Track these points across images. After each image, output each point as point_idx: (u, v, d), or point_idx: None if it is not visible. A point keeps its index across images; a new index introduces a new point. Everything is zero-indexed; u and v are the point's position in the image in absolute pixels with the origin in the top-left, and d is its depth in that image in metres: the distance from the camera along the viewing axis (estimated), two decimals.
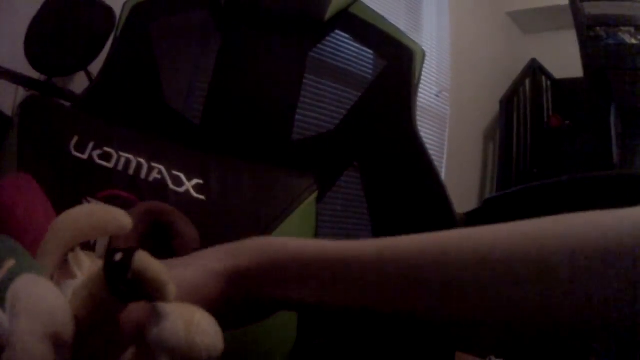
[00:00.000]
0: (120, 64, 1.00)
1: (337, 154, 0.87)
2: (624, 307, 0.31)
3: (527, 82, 3.99)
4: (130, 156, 0.82)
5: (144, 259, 0.35)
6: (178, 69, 0.94)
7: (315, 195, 0.80)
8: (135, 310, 0.39)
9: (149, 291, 0.36)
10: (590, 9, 2.94)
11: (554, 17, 3.85)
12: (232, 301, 0.43)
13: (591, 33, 2.88)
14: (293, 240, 0.44)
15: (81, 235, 0.44)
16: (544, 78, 4.03)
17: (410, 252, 0.39)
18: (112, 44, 1.04)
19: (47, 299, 0.36)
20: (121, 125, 0.86)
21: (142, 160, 0.82)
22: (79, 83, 1.86)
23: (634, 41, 2.86)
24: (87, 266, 0.43)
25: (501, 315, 0.35)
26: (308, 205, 0.79)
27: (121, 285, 0.35)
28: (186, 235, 0.67)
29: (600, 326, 0.32)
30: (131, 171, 0.81)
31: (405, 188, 0.92)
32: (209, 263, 0.43)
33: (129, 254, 0.35)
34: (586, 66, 2.88)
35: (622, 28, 2.88)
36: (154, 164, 0.81)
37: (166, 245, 0.67)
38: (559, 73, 4.05)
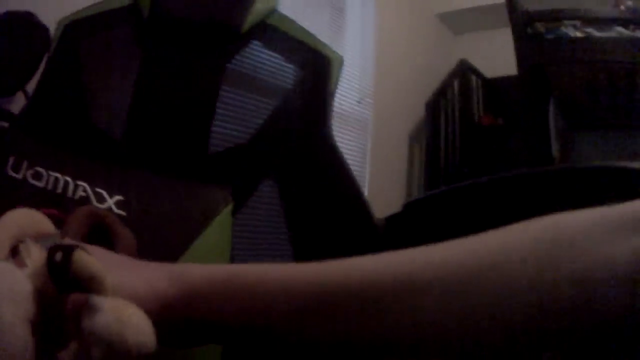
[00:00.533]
0: (51, 83, 1.01)
1: (253, 164, 0.88)
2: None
3: (456, 82, 4.06)
4: (58, 175, 0.84)
5: (82, 258, 0.38)
6: (103, 87, 0.95)
7: (230, 206, 0.82)
8: (77, 303, 0.40)
9: (88, 285, 0.39)
10: (529, 4, 2.95)
11: (485, 16, 3.94)
12: (169, 323, 0.43)
13: (529, 30, 2.89)
14: (236, 266, 0.45)
15: (25, 230, 0.49)
16: (474, 77, 4.11)
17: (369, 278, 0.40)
18: (46, 63, 1.06)
19: (24, 286, 0.39)
20: (51, 145, 0.89)
21: (68, 179, 0.84)
22: (20, 103, 1.83)
23: (579, 34, 2.86)
24: (36, 255, 0.45)
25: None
26: (224, 216, 0.81)
27: (63, 281, 0.38)
28: (125, 238, 0.71)
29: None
30: (59, 190, 0.83)
31: (321, 196, 0.94)
32: (152, 279, 0.44)
33: (68, 252, 0.38)
34: (521, 63, 2.89)
35: (565, 22, 2.88)
36: (78, 182, 0.83)
37: (106, 247, 0.69)
38: (490, 72, 4.15)
